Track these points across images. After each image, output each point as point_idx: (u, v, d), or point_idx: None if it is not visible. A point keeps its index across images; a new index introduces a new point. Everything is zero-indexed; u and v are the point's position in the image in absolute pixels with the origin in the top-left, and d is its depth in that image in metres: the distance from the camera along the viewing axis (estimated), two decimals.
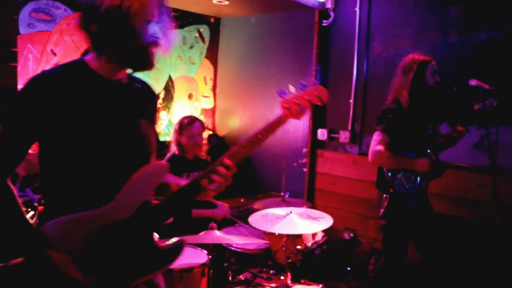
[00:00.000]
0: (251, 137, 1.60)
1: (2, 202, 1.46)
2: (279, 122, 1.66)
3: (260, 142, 1.61)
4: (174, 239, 1.60)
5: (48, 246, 1.41)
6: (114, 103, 1.56)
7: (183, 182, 1.60)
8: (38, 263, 1.42)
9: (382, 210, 3.17)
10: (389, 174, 3.13)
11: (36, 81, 1.47)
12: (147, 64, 1.56)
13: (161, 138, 4.85)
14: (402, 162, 3.10)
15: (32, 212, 2.94)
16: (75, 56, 1.62)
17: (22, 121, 1.46)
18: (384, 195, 3.15)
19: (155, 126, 1.72)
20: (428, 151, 3.08)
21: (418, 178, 3.09)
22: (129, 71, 1.64)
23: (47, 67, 3.69)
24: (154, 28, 1.54)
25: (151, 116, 1.70)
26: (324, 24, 4.54)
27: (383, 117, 3.17)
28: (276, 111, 5.13)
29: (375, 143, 3.12)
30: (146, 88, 1.75)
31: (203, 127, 3.81)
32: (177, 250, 1.58)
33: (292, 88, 1.67)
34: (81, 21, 1.50)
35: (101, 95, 1.53)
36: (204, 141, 5.02)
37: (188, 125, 3.67)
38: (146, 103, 1.69)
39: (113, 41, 1.49)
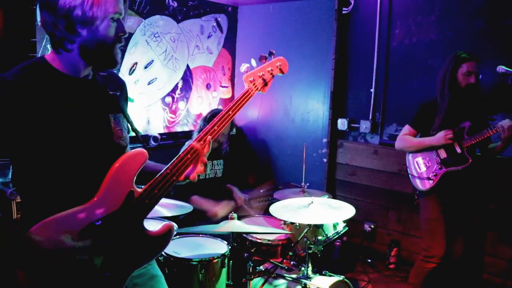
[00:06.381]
0: (222, 115, 1.63)
1: None
2: (245, 97, 1.70)
3: (230, 118, 1.65)
4: (163, 223, 1.57)
5: (40, 249, 1.30)
6: (81, 102, 1.50)
7: (165, 166, 1.54)
8: (32, 269, 1.32)
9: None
10: (408, 157, 3.31)
11: None
12: (111, 63, 1.51)
13: (179, 129, 4.84)
14: (420, 142, 3.20)
15: None
16: None
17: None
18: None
19: (127, 118, 1.66)
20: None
21: (435, 165, 3.12)
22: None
23: None
24: (119, 26, 1.48)
25: (121, 108, 1.65)
26: (344, 12, 4.45)
27: (416, 110, 3.29)
28: (295, 100, 5.07)
29: (401, 133, 3.31)
30: (112, 77, 1.70)
31: (231, 128, 3.76)
32: (168, 234, 1.55)
33: (254, 62, 1.78)
34: (43, 18, 1.43)
35: (67, 94, 1.47)
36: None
37: None
38: (114, 95, 1.63)
39: (76, 42, 1.44)
